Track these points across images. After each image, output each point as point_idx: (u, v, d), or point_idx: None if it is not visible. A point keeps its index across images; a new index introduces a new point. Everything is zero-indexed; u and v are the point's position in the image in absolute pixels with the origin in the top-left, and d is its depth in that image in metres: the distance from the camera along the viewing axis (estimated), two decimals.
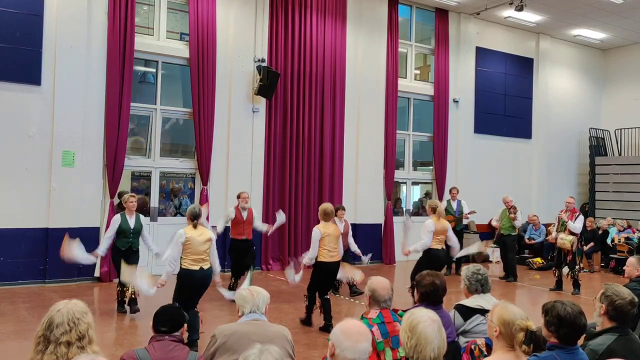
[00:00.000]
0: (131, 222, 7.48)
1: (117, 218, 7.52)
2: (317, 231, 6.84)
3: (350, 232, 9.20)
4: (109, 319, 7.28)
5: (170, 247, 5.99)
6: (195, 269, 5.87)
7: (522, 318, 2.81)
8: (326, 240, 6.81)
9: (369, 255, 9.06)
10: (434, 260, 7.76)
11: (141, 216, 7.70)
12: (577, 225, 9.67)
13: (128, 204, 7.47)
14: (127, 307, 7.49)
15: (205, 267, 5.95)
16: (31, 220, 9.06)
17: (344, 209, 9.19)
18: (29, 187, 9.07)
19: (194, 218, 5.97)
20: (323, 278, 6.94)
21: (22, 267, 8.99)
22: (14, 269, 8.91)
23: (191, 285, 5.92)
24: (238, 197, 8.66)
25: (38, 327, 2.65)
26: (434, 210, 7.99)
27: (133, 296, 7.41)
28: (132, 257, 7.46)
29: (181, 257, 5.95)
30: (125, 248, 7.43)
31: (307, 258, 6.94)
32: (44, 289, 8.82)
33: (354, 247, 8.84)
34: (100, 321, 6.94)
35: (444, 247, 8.03)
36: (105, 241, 7.46)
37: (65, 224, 9.22)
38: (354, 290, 9.12)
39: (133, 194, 7.79)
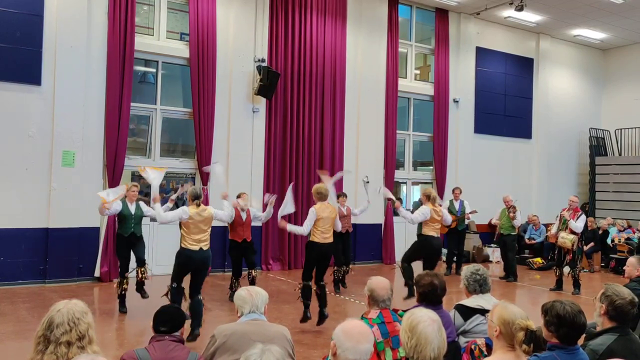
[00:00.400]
0: (132, 208, 7.56)
1: (117, 203, 7.55)
2: (313, 211, 6.81)
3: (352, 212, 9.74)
4: (109, 319, 7.28)
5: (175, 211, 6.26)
6: (194, 249, 6.00)
7: (522, 317, 2.81)
8: (321, 222, 6.79)
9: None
10: (427, 247, 7.86)
11: (141, 203, 7.79)
12: (578, 224, 9.65)
13: (129, 193, 7.53)
14: (139, 294, 7.56)
15: (205, 247, 6.08)
16: (31, 220, 9.06)
17: (345, 195, 9.72)
18: (29, 187, 9.07)
19: (195, 198, 6.11)
20: (316, 259, 6.88)
21: (22, 267, 8.99)
22: (14, 269, 8.91)
23: (190, 266, 6.05)
24: (238, 197, 8.64)
25: (38, 327, 2.65)
26: (428, 197, 8.01)
27: (144, 279, 7.51)
28: (137, 243, 7.60)
29: (182, 236, 6.10)
30: (128, 234, 7.50)
31: (295, 229, 7.06)
32: (44, 289, 8.82)
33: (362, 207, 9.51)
34: (101, 321, 6.94)
35: (439, 236, 8.07)
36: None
37: (65, 224, 9.25)
38: (343, 283, 9.46)
39: (135, 184, 7.90)
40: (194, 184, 8.08)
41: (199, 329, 6.01)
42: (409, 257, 8.27)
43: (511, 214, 10.95)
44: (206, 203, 10.46)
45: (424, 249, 7.89)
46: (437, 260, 7.97)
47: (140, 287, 7.58)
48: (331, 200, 7.16)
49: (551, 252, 12.02)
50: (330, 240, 6.93)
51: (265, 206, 8.25)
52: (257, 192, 11.09)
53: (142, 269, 7.51)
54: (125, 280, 7.49)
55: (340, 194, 9.59)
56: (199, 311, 6.08)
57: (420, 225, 8.19)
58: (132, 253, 7.60)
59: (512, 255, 11.19)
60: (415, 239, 8.62)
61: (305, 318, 6.94)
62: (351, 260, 10.21)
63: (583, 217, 9.88)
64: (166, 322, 3.08)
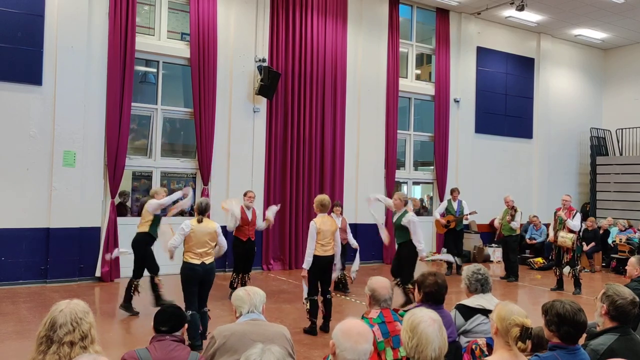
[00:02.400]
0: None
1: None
2: (314, 225, 6.77)
3: (349, 229, 9.24)
4: (110, 318, 7.28)
5: (176, 234, 6.11)
6: (196, 263, 5.92)
7: (519, 315, 2.81)
8: (321, 235, 6.76)
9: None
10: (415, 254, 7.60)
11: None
12: (575, 223, 9.65)
13: (158, 197, 7.63)
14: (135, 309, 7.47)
15: (207, 261, 5.99)
16: (32, 220, 9.07)
17: (339, 205, 9.34)
18: (30, 187, 9.08)
19: (201, 212, 6.05)
20: (317, 272, 6.81)
21: (23, 267, 8.99)
22: (15, 269, 8.91)
23: (193, 279, 5.95)
24: (244, 195, 8.66)
25: (40, 327, 2.64)
26: (405, 202, 7.75)
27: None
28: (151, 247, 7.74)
29: (184, 249, 6.04)
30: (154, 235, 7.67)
31: (306, 258, 6.78)
32: (45, 288, 8.82)
33: (353, 242, 9.09)
34: (102, 321, 6.94)
35: None
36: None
37: (66, 224, 9.25)
38: (345, 287, 9.24)
39: (165, 189, 8.06)
40: (188, 193, 7.98)
41: (202, 344, 5.80)
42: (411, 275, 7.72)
43: (508, 217, 10.93)
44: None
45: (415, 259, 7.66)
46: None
47: (159, 298, 7.45)
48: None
49: (552, 252, 12.01)
50: (331, 252, 6.86)
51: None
52: (257, 192, 11.06)
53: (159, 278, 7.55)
54: (137, 284, 7.47)
55: (335, 203, 9.24)
56: (204, 323, 6.03)
57: (407, 234, 7.58)
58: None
59: (514, 256, 11.16)
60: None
61: (312, 330, 6.77)
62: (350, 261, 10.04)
63: (578, 215, 9.85)
64: (166, 322, 3.08)
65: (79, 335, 2.60)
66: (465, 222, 11.93)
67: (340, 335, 2.37)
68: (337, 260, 7.24)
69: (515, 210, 10.96)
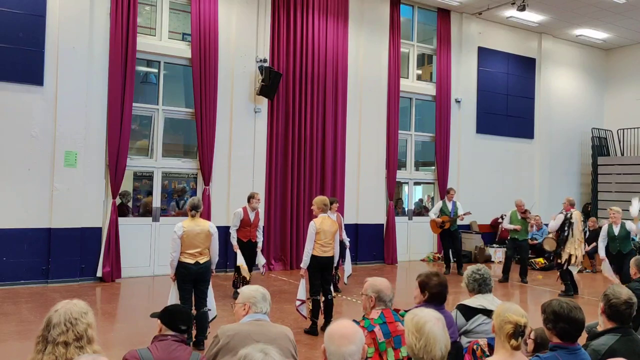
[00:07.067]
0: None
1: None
2: (313, 225, 6.74)
3: (343, 226, 9.31)
4: (111, 318, 7.29)
5: (170, 241, 6.03)
6: (190, 263, 5.91)
7: (515, 313, 2.81)
8: (321, 235, 6.73)
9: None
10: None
11: None
12: (551, 223, 9.76)
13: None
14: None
15: (202, 261, 5.97)
16: (34, 221, 9.08)
17: (335, 202, 9.32)
18: (32, 187, 9.08)
19: (193, 209, 6.03)
20: (317, 273, 6.79)
21: (25, 267, 8.99)
22: (16, 269, 8.92)
23: (187, 277, 5.93)
24: (252, 197, 8.62)
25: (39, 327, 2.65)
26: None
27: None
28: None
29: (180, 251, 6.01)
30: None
31: (304, 257, 6.75)
32: (46, 289, 8.83)
33: (344, 238, 9.17)
34: (103, 321, 6.95)
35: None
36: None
37: (68, 224, 9.26)
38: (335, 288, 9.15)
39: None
40: None
41: (203, 344, 5.85)
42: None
43: (531, 221, 10.99)
44: (209, 202, 10.52)
45: None
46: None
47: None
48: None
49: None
50: (330, 254, 6.83)
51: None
52: (259, 191, 11.06)
53: None
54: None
55: (332, 200, 9.04)
56: (204, 325, 5.98)
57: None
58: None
59: (526, 255, 11.30)
60: None
61: (313, 331, 6.77)
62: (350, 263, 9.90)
63: (559, 216, 9.77)
64: (185, 321, 3.12)
65: (72, 335, 2.59)
66: (460, 222, 11.88)
67: (326, 339, 2.37)
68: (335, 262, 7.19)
69: (528, 214, 11.01)
